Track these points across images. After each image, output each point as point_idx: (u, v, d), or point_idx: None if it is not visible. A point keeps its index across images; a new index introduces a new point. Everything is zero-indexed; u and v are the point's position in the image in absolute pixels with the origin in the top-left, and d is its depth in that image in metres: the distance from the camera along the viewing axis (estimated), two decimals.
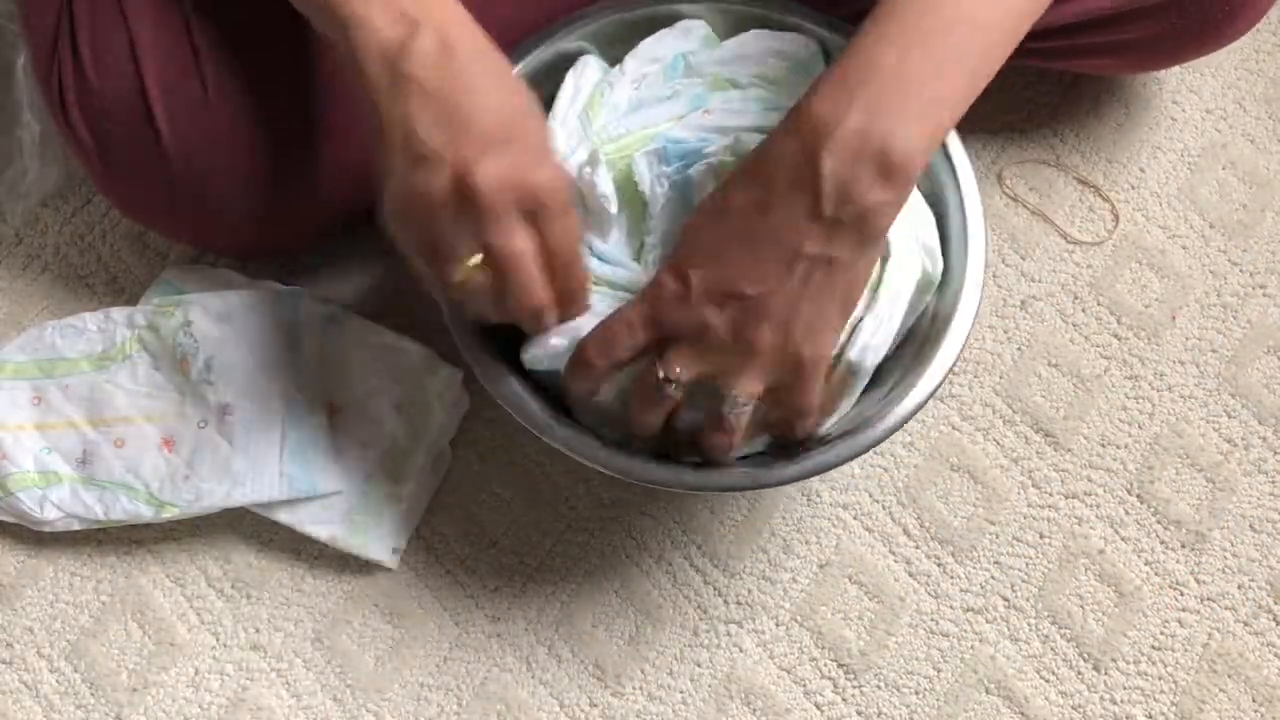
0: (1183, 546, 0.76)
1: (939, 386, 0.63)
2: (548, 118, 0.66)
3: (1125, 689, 0.73)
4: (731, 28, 0.69)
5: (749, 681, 0.73)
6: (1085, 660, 0.74)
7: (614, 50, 0.68)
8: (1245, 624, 0.75)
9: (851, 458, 0.61)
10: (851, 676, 0.73)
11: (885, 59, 0.52)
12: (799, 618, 0.75)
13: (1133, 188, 0.85)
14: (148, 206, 0.73)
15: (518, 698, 0.73)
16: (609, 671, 0.73)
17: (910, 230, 0.63)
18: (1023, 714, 0.73)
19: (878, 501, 0.77)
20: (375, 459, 0.75)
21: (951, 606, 0.75)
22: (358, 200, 0.68)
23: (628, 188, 0.63)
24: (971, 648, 0.74)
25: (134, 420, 0.73)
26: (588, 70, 0.68)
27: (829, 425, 0.63)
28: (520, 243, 0.54)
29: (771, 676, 0.73)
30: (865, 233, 0.53)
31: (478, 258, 0.54)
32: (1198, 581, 0.75)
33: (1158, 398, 0.79)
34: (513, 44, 0.68)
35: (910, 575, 0.75)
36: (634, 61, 0.67)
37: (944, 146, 0.66)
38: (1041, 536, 0.76)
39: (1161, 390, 0.80)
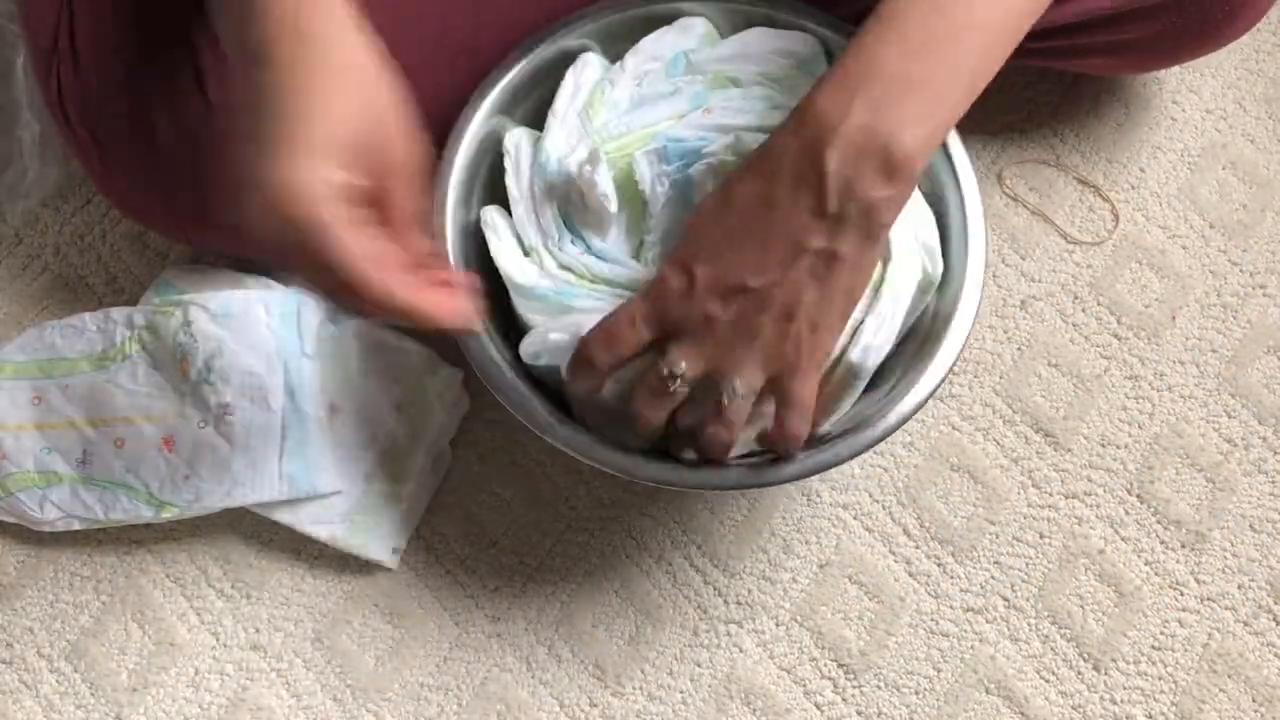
0: (1183, 546, 0.76)
1: (939, 386, 0.63)
2: (549, 113, 0.66)
3: (1125, 689, 0.73)
4: (732, 26, 0.69)
5: (749, 681, 0.73)
6: (1085, 660, 0.74)
7: (615, 48, 0.68)
8: (1245, 624, 0.75)
9: (851, 457, 0.62)
10: (851, 676, 0.73)
11: (887, 59, 0.53)
12: (799, 618, 0.75)
13: (1133, 188, 0.85)
14: (148, 206, 0.73)
15: (518, 698, 0.73)
16: (609, 671, 0.73)
17: (911, 230, 0.63)
18: (1023, 714, 0.73)
19: (878, 501, 0.77)
20: (375, 459, 0.75)
21: (951, 606, 0.75)
22: None
23: (628, 186, 0.63)
24: (971, 648, 0.74)
25: (134, 420, 0.73)
26: (588, 68, 0.68)
27: (829, 425, 0.63)
28: (307, 279, 0.51)
29: (771, 676, 0.73)
30: (869, 228, 0.53)
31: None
32: (1198, 581, 0.75)
33: (1158, 398, 0.79)
34: (513, 43, 0.69)
35: (910, 575, 0.75)
36: (634, 59, 0.67)
37: (944, 146, 0.66)
38: (1041, 536, 0.76)
39: (1161, 390, 0.80)
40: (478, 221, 0.66)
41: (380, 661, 0.74)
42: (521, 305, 0.64)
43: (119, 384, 0.74)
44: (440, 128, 0.67)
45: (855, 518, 0.76)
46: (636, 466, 0.61)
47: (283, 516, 0.74)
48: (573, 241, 0.64)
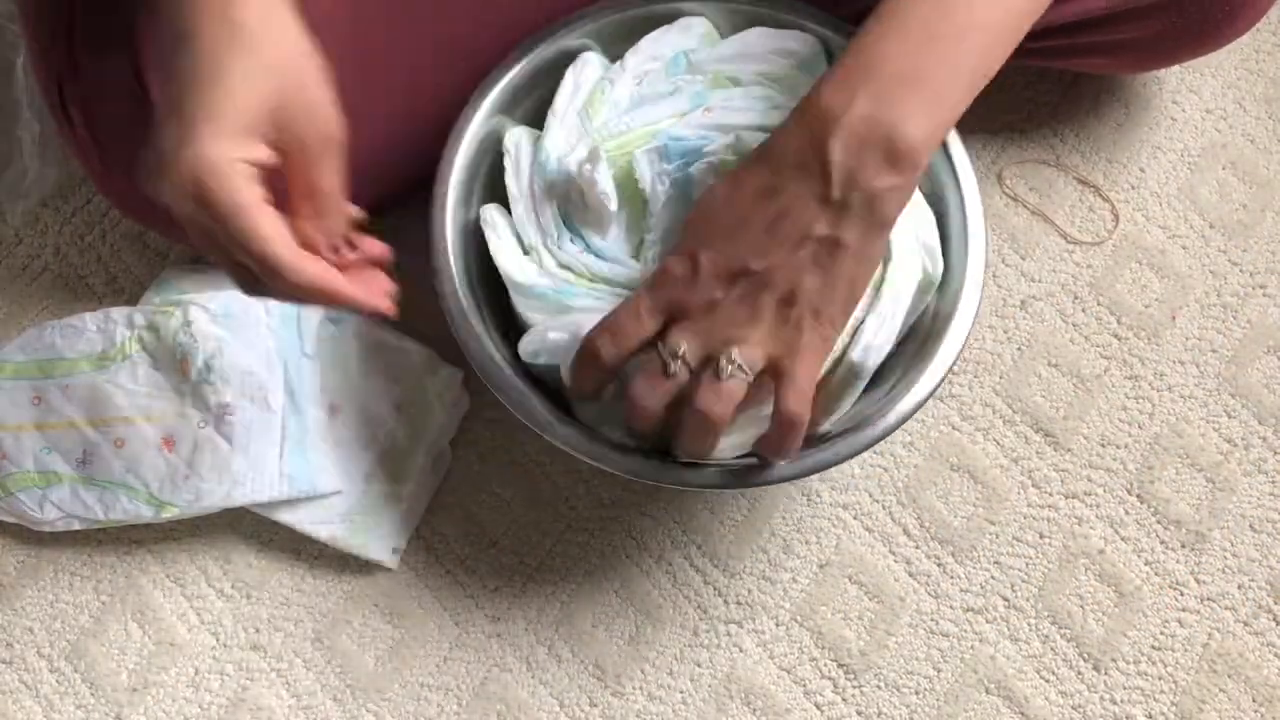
0: (1183, 546, 0.76)
1: (939, 386, 0.63)
2: (549, 112, 0.66)
3: (1125, 689, 0.73)
4: (732, 26, 0.69)
5: (749, 681, 0.73)
6: (1085, 660, 0.74)
7: (615, 48, 0.69)
8: (1245, 624, 0.75)
9: (851, 456, 0.62)
10: (851, 676, 0.73)
11: (889, 56, 0.53)
12: (799, 618, 0.75)
13: (1133, 188, 0.85)
14: (148, 206, 0.73)
15: (518, 698, 0.73)
16: (609, 671, 0.73)
17: (911, 230, 0.63)
18: (1023, 714, 0.73)
19: (878, 501, 0.77)
20: (375, 459, 0.75)
21: (951, 606, 0.75)
22: (357, 200, 0.68)
23: (628, 185, 0.63)
24: (971, 648, 0.74)
25: (134, 420, 0.73)
26: (588, 68, 0.68)
27: (829, 424, 0.63)
28: (221, 260, 0.51)
29: (771, 676, 0.73)
30: (873, 218, 0.54)
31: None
32: (1198, 581, 0.75)
33: (1158, 398, 0.79)
34: (513, 44, 0.69)
35: (910, 575, 0.75)
36: (635, 58, 0.67)
37: (944, 146, 0.66)
38: (1041, 536, 0.76)
39: (1161, 390, 0.80)
40: (478, 220, 0.66)
41: (380, 661, 0.74)
42: (521, 304, 0.64)
43: (119, 384, 0.74)
44: (440, 128, 0.67)
45: (855, 518, 0.76)
46: (637, 466, 0.61)
47: (283, 516, 0.74)
48: (572, 240, 0.64)
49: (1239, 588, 0.75)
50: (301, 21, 0.52)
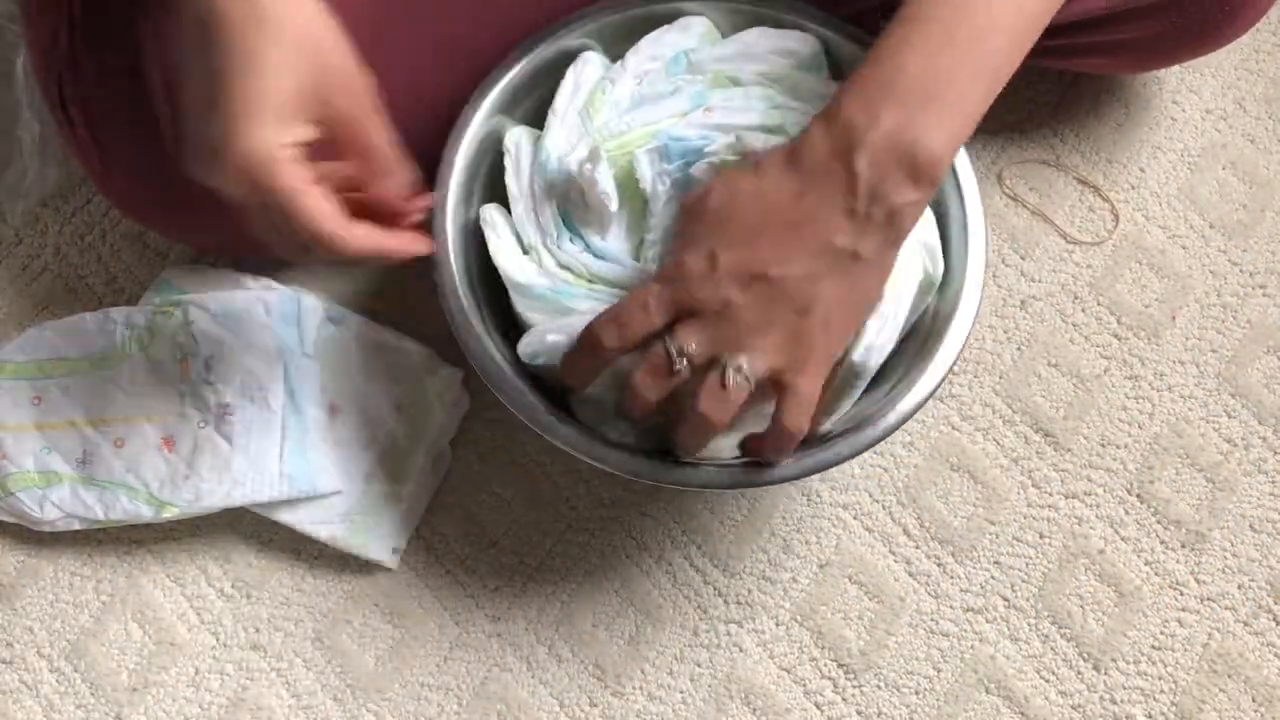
0: (1183, 546, 0.76)
1: (939, 386, 0.63)
2: (550, 112, 0.66)
3: (1125, 689, 0.73)
4: (733, 26, 0.69)
5: (749, 681, 0.73)
6: (1085, 660, 0.74)
7: (616, 48, 0.69)
8: (1245, 624, 0.75)
9: (852, 456, 0.62)
10: (851, 676, 0.73)
11: (910, 64, 0.54)
12: (799, 618, 0.75)
13: (1133, 188, 0.85)
14: (148, 206, 0.73)
15: (518, 698, 0.73)
16: (609, 671, 0.73)
17: (913, 231, 0.63)
18: (1023, 714, 0.73)
19: (878, 501, 0.77)
20: (375, 459, 0.75)
21: (951, 606, 0.75)
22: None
23: (628, 185, 0.63)
24: (971, 648, 0.74)
25: (134, 420, 0.73)
26: (588, 67, 0.68)
27: (830, 424, 0.63)
28: (263, 233, 0.54)
29: (771, 676, 0.73)
30: (892, 232, 0.54)
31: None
32: (1198, 581, 0.75)
33: (1158, 398, 0.79)
34: (513, 44, 0.69)
35: (910, 575, 0.75)
36: (635, 58, 0.67)
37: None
38: (1041, 536, 0.76)
39: (1161, 390, 0.80)
40: (478, 220, 0.66)
41: (380, 661, 0.74)
42: (520, 304, 0.64)
43: (119, 384, 0.74)
44: (440, 127, 0.67)
45: (855, 518, 0.76)
46: (637, 466, 0.61)
47: (283, 516, 0.74)
48: (571, 240, 0.64)
49: (1239, 588, 0.75)
50: None
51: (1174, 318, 0.81)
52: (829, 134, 0.54)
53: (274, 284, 0.78)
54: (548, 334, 0.61)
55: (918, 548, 0.76)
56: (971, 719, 0.73)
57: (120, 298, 0.81)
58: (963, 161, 0.66)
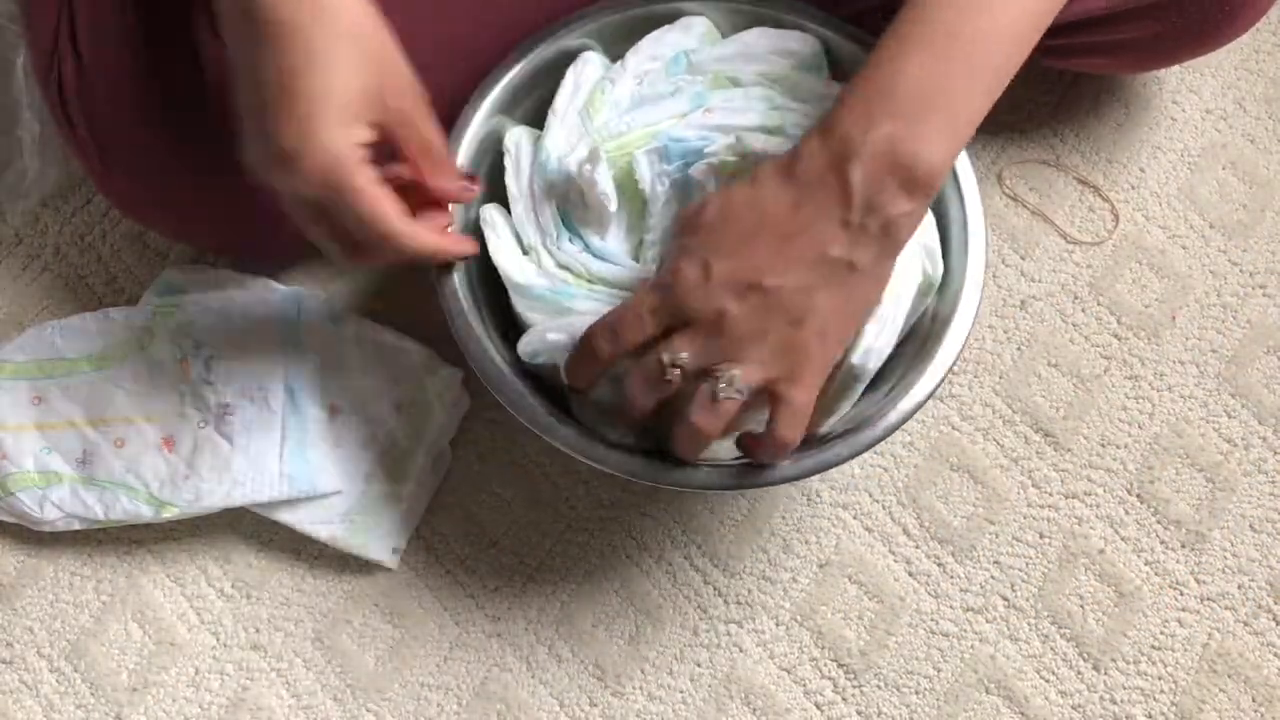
0: (1183, 546, 0.76)
1: (938, 387, 0.63)
2: (549, 112, 0.66)
3: (1125, 689, 0.73)
4: (733, 26, 0.69)
5: (749, 681, 0.73)
6: (1085, 660, 0.74)
7: (616, 48, 0.69)
8: (1245, 624, 0.75)
9: (851, 457, 0.61)
10: (851, 676, 0.73)
11: (910, 70, 0.53)
12: (799, 618, 0.75)
13: (1133, 188, 0.85)
14: (148, 206, 0.73)
15: (518, 698, 0.73)
16: (609, 671, 0.73)
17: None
18: (1023, 714, 0.73)
19: (878, 501, 0.77)
20: (375, 459, 0.75)
21: (951, 606, 0.75)
22: None
23: (628, 185, 0.63)
24: (971, 648, 0.74)
25: (134, 420, 0.73)
26: (588, 67, 0.68)
27: (828, 426, 0.63)
28: (308, 231, 0.57)
29: (771, 676, 0.73)
30: (888, 243, 0.54)
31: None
32: (1198, 581, 0.75)
33: (1158, 398, 0.79)
34: (513, 43, 0.69)
35: (910, 575, 0.75)
36: (635, 58, 0.67)
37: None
38: (1041, 536, 0.76)
39: (1161, 390, 0.80)
40: (478, 220, 0.66)
41: (380, 661, 0.74)
42: (520, 304, 0.64)
43: (119, 384, 0.74)
44: (440, 128, 0.67)
45: (855, 518, 0.76)
46: (636, 467, 0.61)
47: (283, 516, 0.74)
48: (571, 240, 0.64)
49: (1239, 588, 0.75)
50: None
51: (1174, 318, 0.81)
52: (825, 145, 0.54)
53: (274, 284, 0.78)
54: (548, 333, 0.61)
55: (918, 548, 0.76)
56: (971, 719, 0.73)
57: (120, 298, 0.81)
58: (963, 163, 0.66)
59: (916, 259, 0.62)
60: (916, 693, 0.73)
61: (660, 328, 0.55)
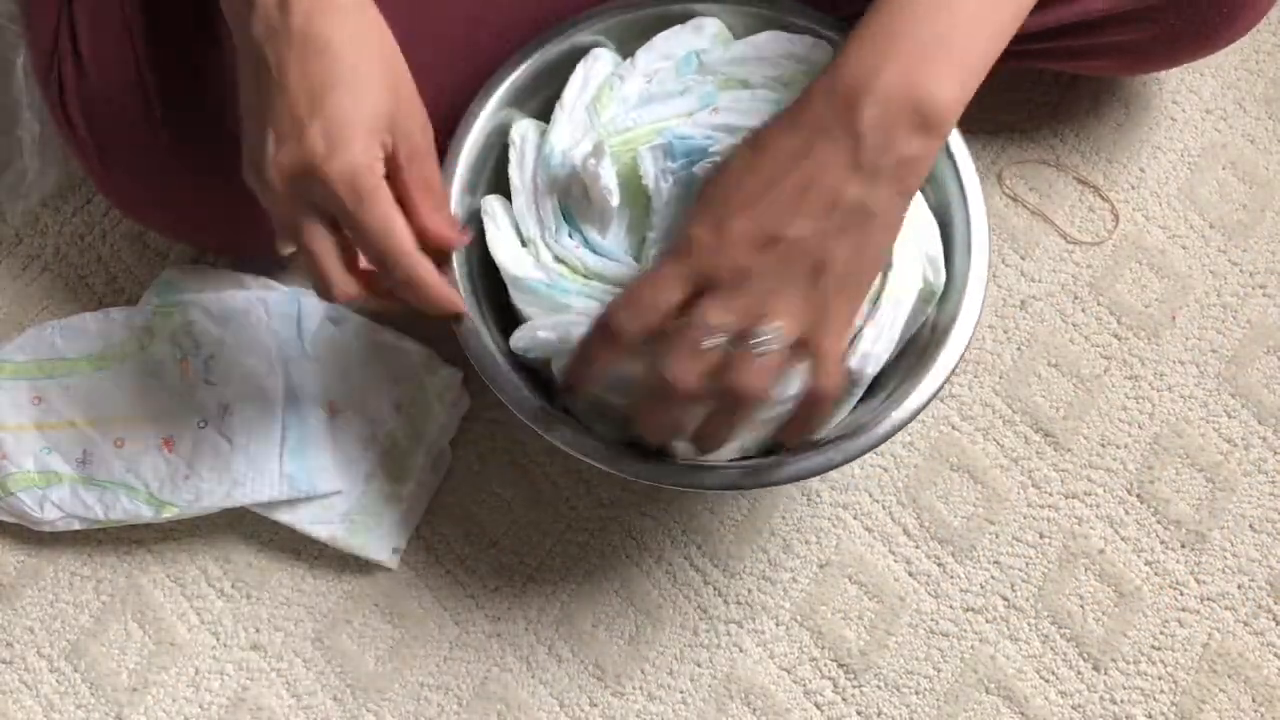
0: (1183, 546, 0.76)
1: (938, 391, 0.62)
2: (557, 105, 0.66)
3: (1125, 689, 0.73)
4: (745, 29, 0.69)
5: (749, 681, 0.73)
6: (1085, 660, 0.74)
7: (628, 47, 0.68)
8: (1245, 624, 0.75)
9: (845, 462, 0.61)
10: (851, 676, 0.73)
11: (916, 15, 0.53)
12: (799, 618, 0.75)
13: (1133, 188, 0.85)
14: (148, 206, 0.73)
15: (518, 698, 0.73)
16: (609, 671, 0.73)
17: (914, 240, 0.63)
18: (1023, 714, 0.73)
19: (878, 501, 0.77)
20: (375, 459, 0.75)
21: (951, 606, 0.75)
22: None
23: (632, 182, 0.63)
24: (971, 648, 0.74)
25: (134, 420, 0.73)
26: (598, 63, 0.68)
27: (825, 431, 0.63)
28: (312, 240, 0.55)
29: (771, 676, 0.73)
30: (901, 184, 0.53)
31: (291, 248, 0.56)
32: (1198, 581, 0.75)
33: (1158, 398, 0.79)
34: (512, 44, 0.69)
35: (910, 575, 0.75)
36: (646, 56, 0.67)
37: (951, 156, 0.65)
38: (1041, 536, 0.76)
39: (1161, 390, 0.80)
40: (479, 211, 0.66)
41: (380, 661, 0.74)
42: (517, 298, 0.64)
43: (119, 384, 0.74)
44: (439, 128, 0.67)
45: (855, 518, 0.77)
46: (637, 466, 0.61)
47: (283, 516, 0.74)
48: (570, 235, 0.64)
49: (1239, 588, 0.75)
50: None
51: (1174, 318, 0.81)
52: (833, 89, 0.53)
53: (274, 284, 0.78)
54: (539, 330, 0.61)
55: (918, 548, 0.76)
56: (971, 719, 0.73)
57: (120, 298, 0.81)
58: (969, 172, 0.65)
59: (918, 265, 0.62)
60: (916, 693, 0.73)
61: (683, 295, 0.53)
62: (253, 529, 0.76)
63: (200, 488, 0.72)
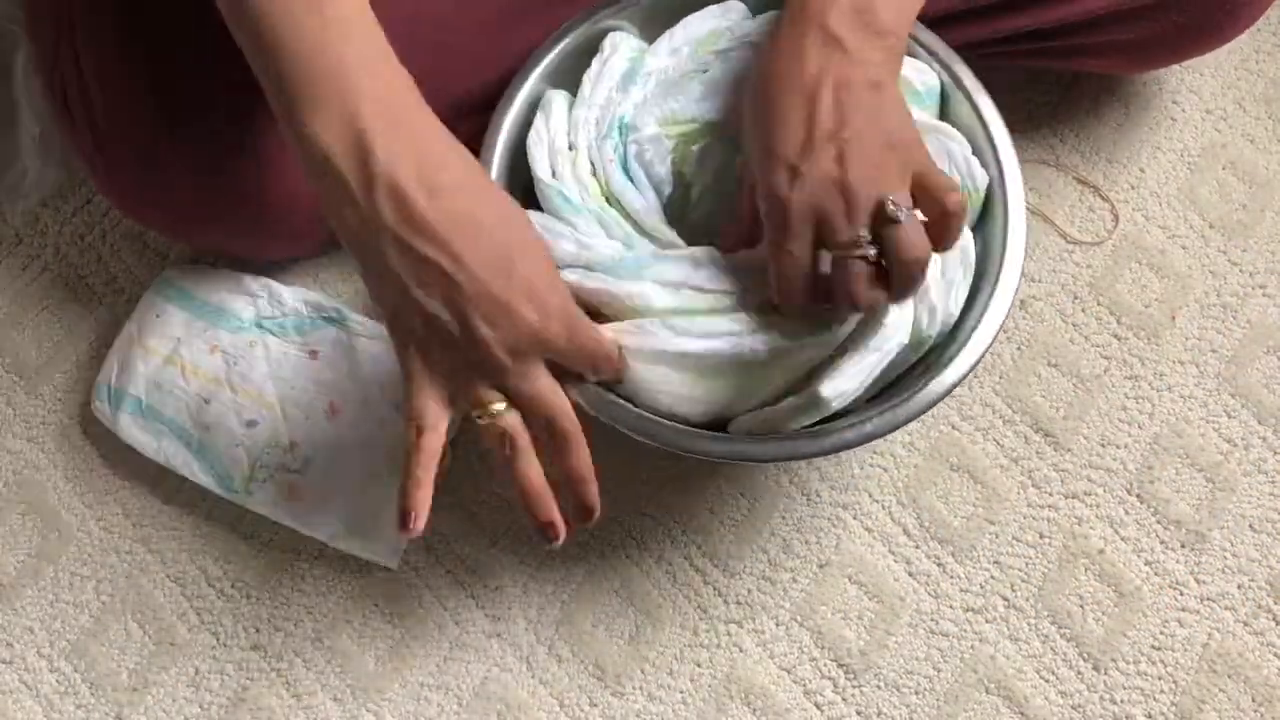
0: (1183, 546, 0.76)
1: (942, 397, 0.62)
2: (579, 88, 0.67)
3: (1125, 689, 0.73)
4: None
5: (749, 681, 0.73)
6: (1085, 660, 0.74)
7: (651, 29, 0.68)
8: (1245, 624, 0.75)
9: (885, 433, 0.61)
10: (851, 676, 0.73)
11: None
12: (799, 618, 0.75)
13: (1133, 188, 0.85)
14: (148, 206, 0.73)
15: (518, 698, 0.73)
16: (609, 671, 0.73)
17: (917, 292, 0.62)
18: (1023, 714, 0.73)
19: (877, 501, 0.77)
20: (375, 459, 0.75)
21: (951, 606, 0.75)
22: None
23: (681, 171, 0.64)
24: (971, 648, 0.74)
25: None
26: (622, 46, 0.68)
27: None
28: (544, 384, 0.57)
29: (771, 676, 0.73)
30: (884, 41, 0.57)
31: (500, 404, 0.56)
32: (1198, 581, 0.75)
33: (1158, 398, 0.79)
34: (512, 45, 0.69)
35: (910, 575, 0.75)
36: (668, 42, 0.67)
37: (1005, 206, 0.65)
38: (1041, 536, 0.76)
39: (1161, 390, 0.80)
40: (520, 189, 0.66)
41: (380, 661, 0.74)
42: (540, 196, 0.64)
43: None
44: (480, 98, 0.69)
45: (855, 518, 0.76)
46: (654, 429, 0.60)
47: (283, 517, 0.74)
48: (615, 149, 0.64)
49: (1239, 588, 0.75)
50: None
51: (1174, 318, 0.81)
52: (796, 18, 0.57)
53: (274, 284, 0.78)
54: (562, 239, 0.61)
55: (918, 548, 0.76)
56: (971, 719, 0.73)
57: (120, 298, 0.81)
58: (1015, 195, 0.65)
59: (909, 313, 0.61)
60: (916, 693, 0.73)
61: (811, 230, 0.56)
62: (253, 529, 0.76)
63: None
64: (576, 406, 0.58)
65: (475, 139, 0.66)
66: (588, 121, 0.65)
